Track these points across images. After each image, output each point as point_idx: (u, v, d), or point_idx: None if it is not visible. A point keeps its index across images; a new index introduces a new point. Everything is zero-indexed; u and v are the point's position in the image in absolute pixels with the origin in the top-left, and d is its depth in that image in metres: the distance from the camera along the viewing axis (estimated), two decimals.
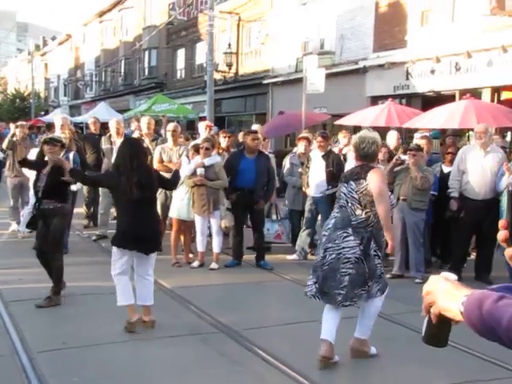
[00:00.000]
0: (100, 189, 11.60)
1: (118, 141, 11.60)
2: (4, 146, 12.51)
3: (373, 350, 5.84)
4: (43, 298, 7.43)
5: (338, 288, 5.58)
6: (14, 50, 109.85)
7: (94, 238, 11.70)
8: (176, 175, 7.54)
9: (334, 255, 5.64)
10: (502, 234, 1.39)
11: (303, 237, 10.52)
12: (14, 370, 5.41)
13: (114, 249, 6.62)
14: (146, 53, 38.04)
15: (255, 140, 9.91)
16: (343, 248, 5.62)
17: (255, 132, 10.40)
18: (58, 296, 7.53)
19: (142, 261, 6.68)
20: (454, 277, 1.80)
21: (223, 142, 11.30)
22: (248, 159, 9.82)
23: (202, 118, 22.37)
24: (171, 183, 7.63)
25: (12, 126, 14.39)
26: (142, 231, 6.46)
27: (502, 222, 1.41)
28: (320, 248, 5.93)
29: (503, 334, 1.54)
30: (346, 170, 7.55)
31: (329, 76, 17.45)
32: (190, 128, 26.34)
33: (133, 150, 6.78)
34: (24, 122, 13.86)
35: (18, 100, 60.87)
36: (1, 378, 5.26)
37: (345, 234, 5.64)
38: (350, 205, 5.74)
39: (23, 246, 10.65)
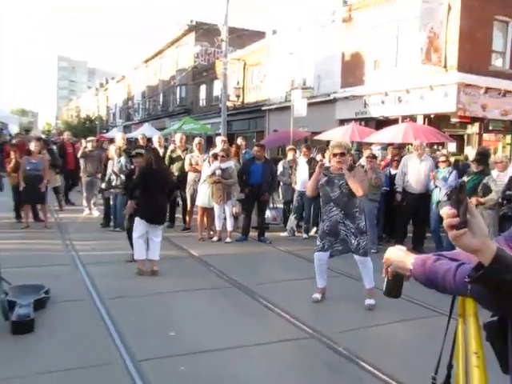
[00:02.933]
0: None
1: (160, 151, 11.61)
2: (79, 155, 12.51)
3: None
4: (110, 261, 7.54)
5: None
6: (86, 87, 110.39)
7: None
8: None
9: None
10: (454, 221, 1.39)
11: (292, 220, 10.54)
12: (91, 311, 5.48)
13: (137, 218, 7.00)
14: (178, 88, 37.94)
15: (259, 151, 9.98)
16: None
17: (262, 146, 10.49)
18: None
19: (153, 229, 7.11)
20: (404, 248, 1.90)
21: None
22: (257, 164, 9.86)
23: (218, 134, 22.37)
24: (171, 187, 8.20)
25: (83, 141, 14.39)
26: (155, 211, 7.04)
27: (449, 213, 1.40)
28: None
29: (439, 284, 1.61)
30: None
31: (309, 104, 17.43)
32: (209, 142, 26.34)
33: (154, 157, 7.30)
34: (93, 138, 13.86)
35: (87, 122, 60.90)
36: (83, 317, 5.29)
37: None
38: None
39: (94, 226, 10.74)
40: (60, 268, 7.25)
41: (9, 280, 5.55)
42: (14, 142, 15.74)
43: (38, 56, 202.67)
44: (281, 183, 10.99)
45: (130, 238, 7.50)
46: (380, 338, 5.09)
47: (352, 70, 19.75)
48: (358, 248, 5.86)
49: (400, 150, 12.22)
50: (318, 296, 6.06)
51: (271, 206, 10.94)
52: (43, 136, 30.40)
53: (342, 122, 19.20)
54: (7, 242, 8.58)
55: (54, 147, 15.25)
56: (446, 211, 1.35)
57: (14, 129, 29.71)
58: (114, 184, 10.12)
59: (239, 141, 12.18)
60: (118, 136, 11.86)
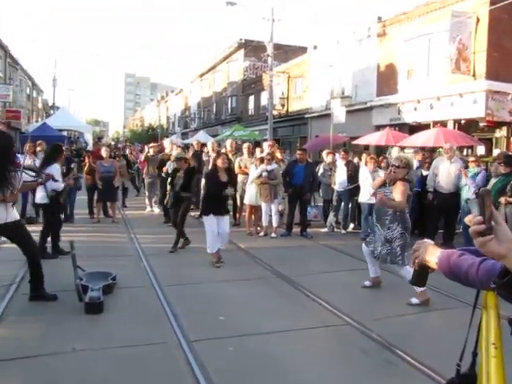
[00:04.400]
0: (202, 184, 11.73)
1: (212, 155, 11.72)
2: (142, 159, 12.79)
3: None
4: (167, 251, 7.72)
5: None
6: (149, 99, 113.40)
7: (196, 216, 11.79)
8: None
9: None
10: (480, 228, 1.33)
11: (331, 217, 10.43)
12: (151, 296, 5.60)
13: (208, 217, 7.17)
14: (229, 98, 38.21)
15: (301, 155, 9.94)
16: None
17: (304, 149, 10.44)
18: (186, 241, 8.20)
19: (223, 221, 7.22)
20: (431, 242, 1.86)
21: (279, 154, 11.33)
22: (299, 166, 9.81)
23: (265, 140, 22.42)
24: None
25: (146, 146, 14.71)
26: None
27: (475, 220, 1.34)
28: None
29: (462, 277, 1.57)
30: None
31: (347, 112, 17.22)
32: (257, 146, 26.46)
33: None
34: (154, 144, 14.15)
35: (150, 130, 62.40)
36: (144, 301, 5.42)
37: None
38: None
39: (155, 222, 10.95)
40: (125, 258, 7.46)
41: (83, 267, 5.77)
42: (88, 148, 16.29)
43: (108, 73, 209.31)
44: (321, 183, 10.90)
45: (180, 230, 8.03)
46: (411, 326, 4.97)
47: (386, 79, 19.38)
48: (378, 255, 5.77)
49: (431, 153, 11.93)
50: (366, 283, 6.10)
51: (312, 204, 10.87)
52: (112, 143, 31.26)
53: (378, 127, 18.85)
54: (81, 235, 8.87)
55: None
56: (471, 218, 1.30)
57: (88, 137, 30.65)
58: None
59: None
60: (167, 142, 12.15)
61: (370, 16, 20.97)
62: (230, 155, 11.01)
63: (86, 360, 3.90)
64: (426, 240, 1.89)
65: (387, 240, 5.71)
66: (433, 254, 1.75)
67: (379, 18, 20.17)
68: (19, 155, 13.17)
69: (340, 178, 10.23)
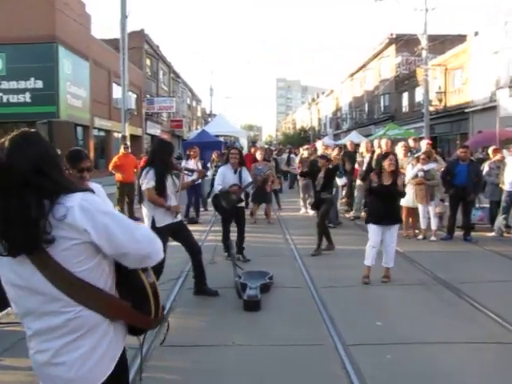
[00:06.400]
0: (356, 185, 11.56)
1: (366, 155, 11.44)
2: (297, 161, 13.03)
3: None
4: (323, 254, 7.80)
5: None
6: (300, 102, 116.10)
7: (351, 218, 11.65)
8: None
9: None
10: None
11: (500, 220, 9.44)
12: (307, 297, 5.65)
13: (371, 225, 6.37)
14: (382, 97, 37.19)
15: (464, 153, 9.21)
16: None
17: (467, 147, 9.69)
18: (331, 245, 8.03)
19: (389, 232, 6.37)
20: None
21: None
22: (462, 165, 9.10)
23: (421, 138, 21.27)
24: None
25: (301, 149, 14.96)
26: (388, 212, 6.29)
27: None
28: None
29: None
30: None
31: None
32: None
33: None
34: (308, 146, 14.32)
35: (302, 133, 63.67)
36: (299, 302, 5.49)
37: None
38: None
39: (309, 223, 11.00)
40: (281, 258, 7.65)
41: (241, 266, 6.06)
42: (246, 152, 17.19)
43: (260, 80, 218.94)
44: (487, 183, 9.94)
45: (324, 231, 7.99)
46: None
47: None
48: None
49: None
50: None
51: (477, 206, 9.98)
52: (266, 146, 32.57)
53: None
54: None
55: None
56: None
57: (243, 141, 32.30)
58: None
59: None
60: (319, 144, 12.21)
61: None
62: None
63: (244, 355, 4.08)
64: None
65: None
66: None
67: None
68: (182, 160, 14.37)
69: (510, 176, 9.24)
